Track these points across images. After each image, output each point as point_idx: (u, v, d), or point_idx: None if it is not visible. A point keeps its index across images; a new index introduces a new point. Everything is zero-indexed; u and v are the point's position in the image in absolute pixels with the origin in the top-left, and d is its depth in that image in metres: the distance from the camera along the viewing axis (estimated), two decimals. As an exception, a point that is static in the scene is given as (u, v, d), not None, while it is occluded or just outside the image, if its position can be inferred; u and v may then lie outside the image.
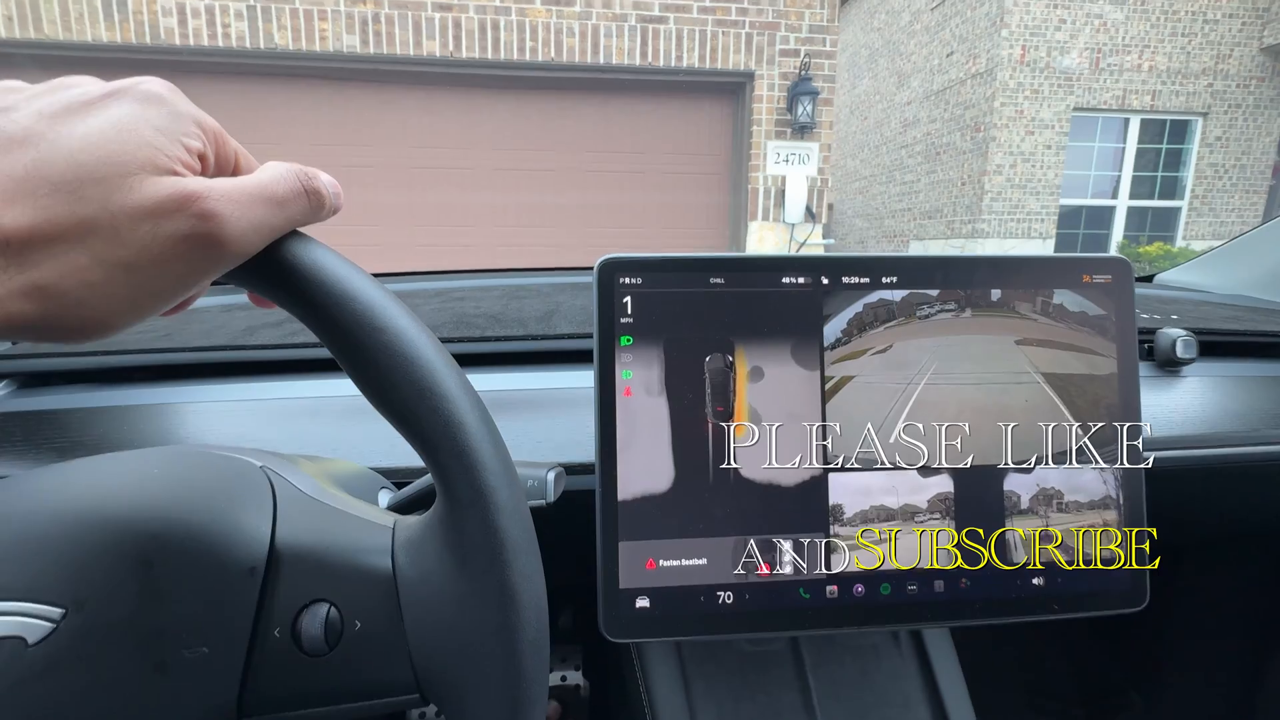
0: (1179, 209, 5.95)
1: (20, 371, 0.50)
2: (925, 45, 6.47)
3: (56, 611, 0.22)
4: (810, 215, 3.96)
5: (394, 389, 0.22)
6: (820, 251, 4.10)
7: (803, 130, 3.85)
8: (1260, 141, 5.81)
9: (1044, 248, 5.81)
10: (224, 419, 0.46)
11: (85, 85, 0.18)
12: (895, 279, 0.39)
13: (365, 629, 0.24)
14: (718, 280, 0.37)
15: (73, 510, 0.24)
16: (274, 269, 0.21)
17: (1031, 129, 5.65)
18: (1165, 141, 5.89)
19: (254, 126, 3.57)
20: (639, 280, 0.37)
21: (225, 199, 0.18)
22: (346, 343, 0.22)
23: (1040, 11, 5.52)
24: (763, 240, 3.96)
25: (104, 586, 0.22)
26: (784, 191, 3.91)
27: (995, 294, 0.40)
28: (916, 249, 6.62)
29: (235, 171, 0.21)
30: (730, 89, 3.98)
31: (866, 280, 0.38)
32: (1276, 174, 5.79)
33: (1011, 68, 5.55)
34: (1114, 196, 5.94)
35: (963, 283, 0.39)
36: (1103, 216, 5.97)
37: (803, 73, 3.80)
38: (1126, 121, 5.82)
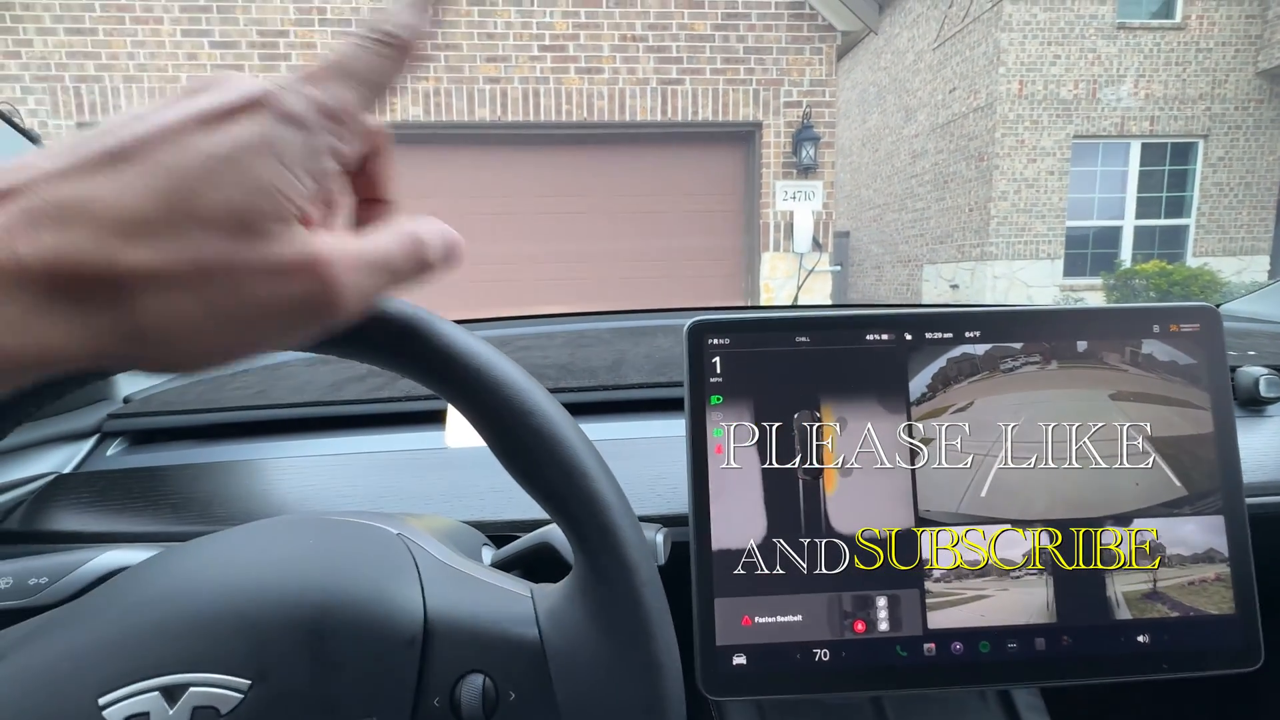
0: (1187, 227, 5.71)
1: (131, 430, 0.50)
2: (929, 82, 6.43)
3: (244, 682, 0.22)
4: (817, 245, 4.06)
5: (541, 469, 0.22)
6: (828, 275, 4.16)
7: (807, 171, 3.98)
8: (1264, 160, 5.56)
9: (1053, 268, 5.63)
10: (318, 473, 0.45)
11: (218, 91, 0.15)
12: (978, 333, 0.36)
13: (519, 699, 0.23)
14: (803, 339, 0.35)
15: (246, 584, 0.24)
16: (428, 357, 0.21)
17: (1034, 157, 5.53)
18: (1168, 163, 5.69)
19: (332, 187, 3.90)
20: (726, 341, 0.35)
21: (350, 268, 0.16)
22: (498, 427, 0.22)
23: (1035, 49, 5.45)
24: (775, 269, 4.07)
25: (283, 658, 0.22)
26: (792, 225, 4.01)
27: (1081, 345, 0.36)
28: (930, 272, 6.48)
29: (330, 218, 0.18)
30: (741, 137, 4.10)
31: (950, 335, 0.36)
32: None
33: (1010, 101, 5.47)
34: (1120, 217, 5.73)
35: (1047, 335, 0.36)
36: (1111, 237, 5.76)
37: (805, 121, 3.94)
38: (1128, 146, 5.64)
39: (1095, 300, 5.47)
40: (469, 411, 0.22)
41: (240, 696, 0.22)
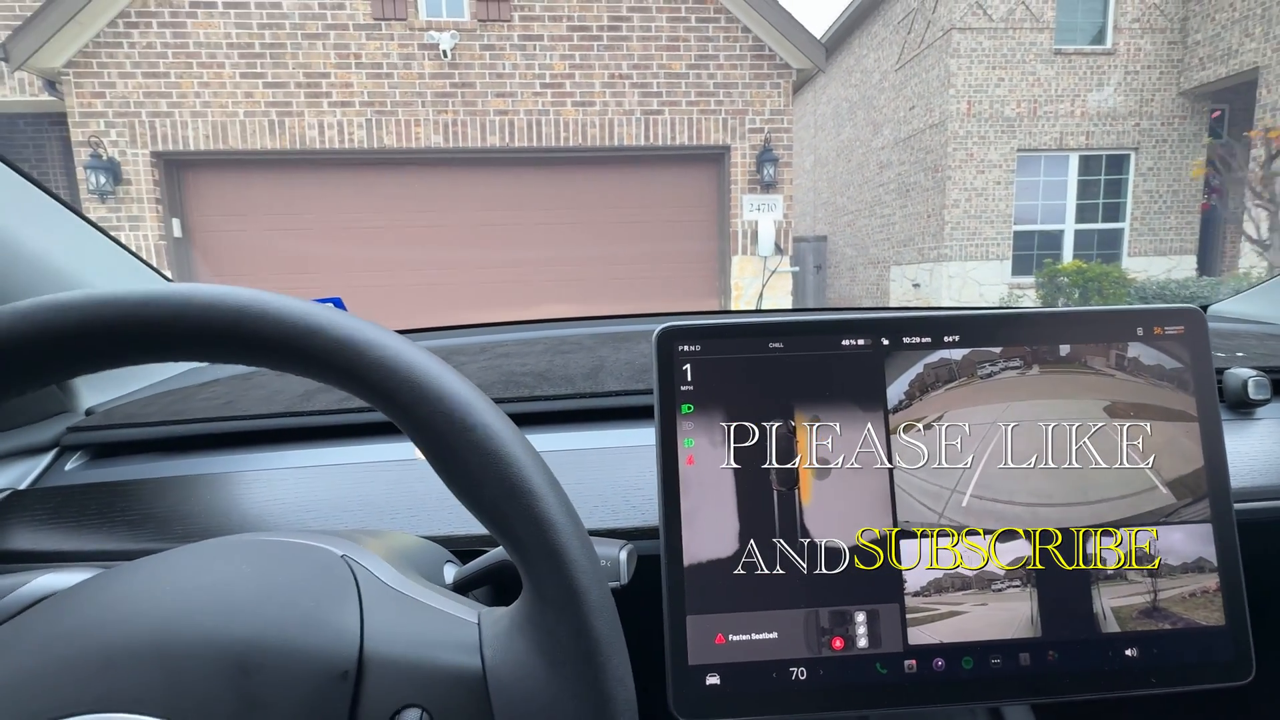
0: (1122, 230, 5.73)
1: (92, 443, 0.44)
2: (893, 100, 6.39)
3: None
4: (778, 250, 4.25)
5: (483, 487, 0.19)
6: (788, 275, 4.41)
7: (768, 186, 4.20)
8: (1188, 170, 5.57)
9: (1002, 268, 5.63)
10: (285, 485, 0.39)
11: None
12: (956, 338, 0.30)
13: None
14: (776, 345, 0.30)
15: (167, 614, 0.20)
16: (360, 366, 0.18)
17: (982, 169, 5.54)
18: (1104, 173, 5.71)
19: (368, 203, 4.16)
20: (697, 347, 0.30)
21: None
22: (437, 443, 0.19)
23: (981, 73, 5.47)
24: (743, 270, 4.28)
25: (203, 696, 0.19)
26: (757, 233, 4.22)
27: (1064, 349, 0.31)
28: (896, 273, 6.44)
29: None
30: (713, 158, 4.35)
31: (928, 340, 0.30)
32: (1216, 195, 5.46)
33: (960, 119, 5.47)
34: (1062, 222, 5.74)
35: (1027, 339, 0.31)
36: (1054, 239, 5.77)
37: (766, 145, 4.19)
38: (1067, 158, 5.63)
39: (1033, 296, 5.47)
40: (407, 426, 0.19)
41: None
